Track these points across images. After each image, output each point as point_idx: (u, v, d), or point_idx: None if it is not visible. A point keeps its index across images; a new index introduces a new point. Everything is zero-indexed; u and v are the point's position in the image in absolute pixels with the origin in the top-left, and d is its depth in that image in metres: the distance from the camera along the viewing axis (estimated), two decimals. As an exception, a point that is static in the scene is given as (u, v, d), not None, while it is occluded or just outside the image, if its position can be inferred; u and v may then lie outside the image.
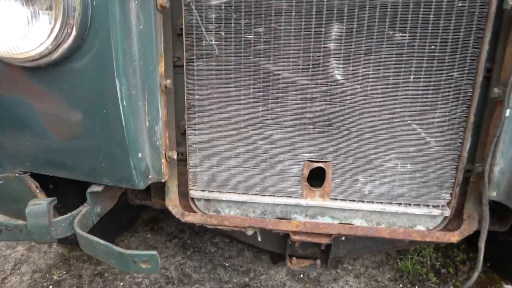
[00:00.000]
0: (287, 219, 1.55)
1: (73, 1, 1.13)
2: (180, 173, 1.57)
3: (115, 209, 1.63)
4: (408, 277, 2.59)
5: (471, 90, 1.31)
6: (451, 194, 1.46)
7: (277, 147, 1.46)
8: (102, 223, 1.55)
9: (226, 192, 1.54)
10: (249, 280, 2.46)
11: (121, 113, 1.26)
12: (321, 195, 1.51)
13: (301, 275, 2.57)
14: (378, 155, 1.43)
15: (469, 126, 1.34)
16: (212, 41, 1.36)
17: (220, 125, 1.45)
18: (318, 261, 1.75)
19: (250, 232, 1.60)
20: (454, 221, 1.51)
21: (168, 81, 1.37)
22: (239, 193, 1.54)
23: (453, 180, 1.44)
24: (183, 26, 1.35)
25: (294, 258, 1.76)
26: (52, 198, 1.40)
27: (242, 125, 1.44)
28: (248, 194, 1.53)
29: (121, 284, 2.40)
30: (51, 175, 1.47)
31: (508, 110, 1.23)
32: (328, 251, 1.68)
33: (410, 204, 1.49)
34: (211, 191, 1.55)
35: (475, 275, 1.39)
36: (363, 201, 1.50)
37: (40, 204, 1.35)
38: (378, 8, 1.27)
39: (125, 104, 1.26)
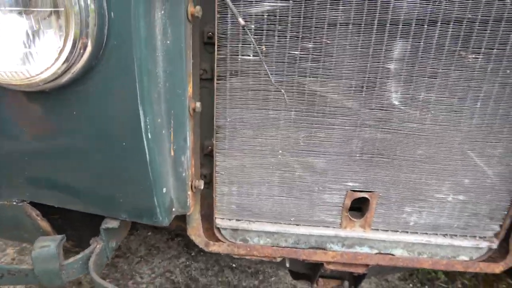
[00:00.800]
0: (322, 248, 1.42)
1: (87, 13, 0.88)
2: (203, 197, 1.39)
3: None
4: (418, 276, 2.57)
5: (545, 121, 1.16)
6: (500, 225, 1.35)
7: (318, 175, 1.29)
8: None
9: (257, 221, 1.38)
10: (259, 283, 2.37)
11: (145, 147, 1.05)
12: (361, 225, 1.37)
13: (312, 277, 2.50)
14: (429, 186, 1.29)
15: (534, 159, 1.20)
16: (250, 56, 1.13)
17: (254, 151, 1.26)
18: (346, 283, 1.64)
19: (278, 259, 1.46)
20: (499, 251, 1.41)
21: (198, 104, 1.15)
22: (271, 222, 1.38)
23: (505, 212, 1.32)
24: (215, 38, 1.11)
25: (320, 280, 1.65)
26: (61, 236, 1.20)
27: (280, 152, 1.26)
28: (281, 223, 1.38)
29: (125, 291, 2.27)
30: (55, 206, 1.27)
31: None
32: (360, 276, 1.57)
33: (456, 235, 1.38)
34: (239, 220, 1.38)
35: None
36: (407, 232, 1.38)
37: (48, 246, 1.16)
38: (451, 24, 1.07)
39: (149, 136, 1.05)
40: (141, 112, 1.01)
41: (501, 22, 1.06)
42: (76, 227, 1.64)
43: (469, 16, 1.05)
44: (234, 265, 2.51)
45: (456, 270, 1.41)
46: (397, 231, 1.38)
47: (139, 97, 1.00)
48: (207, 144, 1.31)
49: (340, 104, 1.18)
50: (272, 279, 2.42)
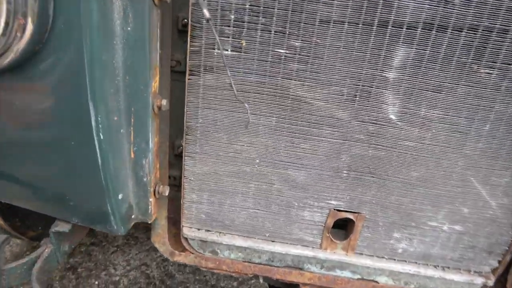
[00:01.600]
0: (298, 268, 1.29)
1: (24, -12, 0.73)
2: (172, 200, 1.25)
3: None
4: None
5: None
6: (499, 261, 1.21)
7: (298, 190, 1.14)
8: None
9: (228, 233, 1.24)
10: (238, 285, 2.26)
11: (96, 148, 0.91)
12: (344, 248, 1.23)
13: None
14: (423, 212, 1.14)
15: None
16: (227, 50, 0.98)
17: (227, 157, 1.12)
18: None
19: (250, 275, 1.34)
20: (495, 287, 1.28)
21: (164, 102, 1.00)
22: (243, 236, 1.24)
23: (506, 247, 1.18)
24: (189, 27, 0.96)
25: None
26: (5, 236, 1.08)
27: (257, 161, 1.11)
28: (254, 238, 1.24)
29: (96, 282, 2.17)
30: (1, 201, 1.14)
31: None
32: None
33: (448, 268, 1.24)
34: (209, 231, 1.25)
35: None
36: (394, 259, 1.24)
37: (-14, 248, 1.03)
38: (464, 32, 0.91)
39: (102, 137, 0.91)
40: (91, 109, 0.87)
41: (524, 33, 0.89)
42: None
43: (486, 23, 0.89)
44: (214, 264, 2.40)
45: (445, 304, 1.27)
46: (383, 257, 1.24)
47: (89, 91, 0.85)
48: (178, 144, 1.17)
49: (328, 114, 1.03)
50: (252, 281, 2.31)
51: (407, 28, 0.91)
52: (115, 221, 1.04)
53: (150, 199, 1.09)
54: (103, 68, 0.86)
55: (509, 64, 0.93)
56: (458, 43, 0.92)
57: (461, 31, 0.91)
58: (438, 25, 0.90)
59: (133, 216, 1.11)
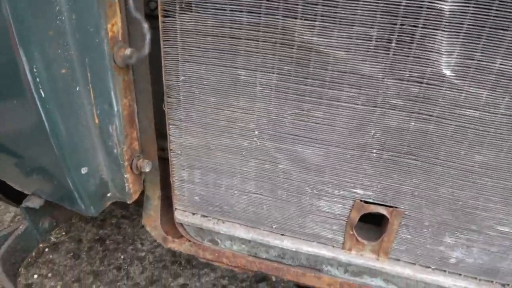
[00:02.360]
0: (316, 269, 1.02)
1: None
2: (165, 177, 1.05)
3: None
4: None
5: None
6: None
7: (311, 173, 0.87)
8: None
9: (227, 221, 1.01)
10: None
11: (39, 110, 0.72)
12: (374, 251, 0.94)
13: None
14: (489, 212, 0.80)
15: None
16: (208, -21, 0.71)
17: (219, 127, 0.87)
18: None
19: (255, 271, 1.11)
20: None
21: (129, 51, 0.77)
22: (246, 226, 1.01)
23: None
24: None
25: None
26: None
27: (255, 133, 0.85)
28: (259, 229, 1.00)
29: (122, 257, 2.10)
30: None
31: None
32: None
33: (524, 288, 0.89)
34: (205, 217, 1.03)
35: None
36: (444, 271, 0.92)
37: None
38: None
39: (43, 94, 0.71)
40: (22, 57, 0.67)
41: None
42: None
43: None
44: (245, 246, 2.21)
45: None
46: (429, 267, 0.92)
47: (16, 33, 0.65)
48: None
49: (350, 68, 0.72)
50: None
51: None
52: (81, 199, 0.86)
53: (126, 175, 0.90)
54: (34, 2, 0.64)
55: None
56: None
57: None
58: None
59: (108, 194, 0.93)
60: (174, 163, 0.96)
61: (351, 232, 0.92)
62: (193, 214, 1.03)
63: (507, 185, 0.76)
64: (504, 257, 0.85)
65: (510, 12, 0.61)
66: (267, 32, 0.73)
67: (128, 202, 0.95)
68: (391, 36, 0.68)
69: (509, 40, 0.63)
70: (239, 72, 0.78)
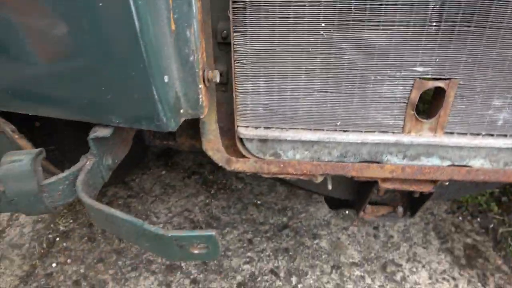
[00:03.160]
0: (376, 162, 1.10)
1: None
2: (219, 104, 1.07)
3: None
4: (467, 208, 2.27)
5: None
6: None
7: (375, 58, 0.94)
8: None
9: (291, 128, 1.06)
10: (288, 220, 2.12)
11: (130, 5, 0.72)
12: (431, 128, 1.03)
13: (347, 212, 2.24)
14: (534, 66, 0.93)
15: None
16: None
17: (286, 25, 0.91)
18: (400, 209, 1.35)
19: (319, 179, 1.16)
20: None
21: None
22: (310, 129, 1.06)
23: None
24: None
25: (368, 206, 1.36)
26: (39, 149, 0.92)
27: (322, 25, 0.90)
28: (323, 130, 1.06)
29: (140, 231, 2.05)
30: (29, 114, 0.97)
31: None
32: (419, 199, 1.26)
33: (561, 137, 1.03)
34: (269, 128, 1.07)
35: None
36: (492, 135, 1.04)
37: (20, 160, 0.87)
38: None
39: (136, -11, 0.71)
40: None
41: None
42: (71, 156, 1.37)
43: None
44: (258, 202, 2.26)
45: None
46: (479, 134, 1.04)
47: None
48: (221, 28, 0.97)
49: None
50: (302, 215, 2.16)
51: None
52: (163, 111, 0.86)
53: (200, 86, 0.91)
54: None
55: None
56: None
57: None
58: None
59: (181, 111, 0.93)
60: (238, 74, 0.98)
61: (412, 112, 1.00)
62: (256, 128, 1.07)
63: (547, 36, 0.88)
64: (543, 109, 0.99)
65: None
66: None
67: (201, 117, 0.96)
68: None
69: None
70: (308, -39, 0.83)
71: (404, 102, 1.00)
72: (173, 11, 0.81)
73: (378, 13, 0.88)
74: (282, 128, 1.06)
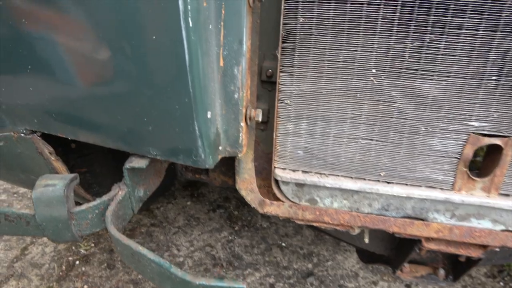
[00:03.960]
0: (420, 219, 1.02)
1: None
2: (257, 142, 1.05)
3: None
4: (510, 274, 2.08)
5: None
6: None
7: (427, 109, 0.89)
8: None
9: (331, 174, 1.01)
10: (313, 267, 2.01)
11: (183, 38, 0.71)
12: (484, 188, 0.95)
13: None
14: None
15: None
16: None
17: (335, 68, 0.88)
18: (442, 271, 1.24)
19: (356, 231, 1.09)
20: None
21: (260, -11, 0.79)
22: (351, 177, 1.00)
23: None
24: None
25: (406, 265, 1.25)
26: (73, 175, 0.91)
27: (373, 71, 0.87)
28: (365, 179, 1.00)
29: (160, 263, 2.00)
30: (69, 138, 0.97)
31: None
32: (466, 263, 1.15)
33: None
34: (307, 172, 1.02)
35: None
36: (554, 201, 0.94)
37: (53, 185, 0.86)
38: None
39: (190, 24, 0.71)
40: (178, -18, 0.67)
41: None
42: (101, 180, 1.36)
43: None
44: (283, 244, 2.17)
45: None
46: (539, 198, 0.95)
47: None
48: (267, 67, 0.96)
49: (476, -7, 0.77)
50: (329, 263, 2.05)
51: None
52: (203, 147, 0.84)
53: (242, 124, 0.88)
54: None
55: None
56: None
57: None
58: None
59: (220, 148, 0.91)
60: (280, 114, 0.95)
61: (464, 169, 0.93)
62: (294, 171, 1.02)
63: None
64: None
65: None
66: (396, -37, 0.77)
67: (239, 155, 0.93)
68: (519, -43, 0.73)
69: None
70: (363, 6, 0.81)
71: (456, 158, 0.93)
72: (223, 47, 0.80)
73: (434, 63, 0.84)
74: (321, 174, 1.01)
